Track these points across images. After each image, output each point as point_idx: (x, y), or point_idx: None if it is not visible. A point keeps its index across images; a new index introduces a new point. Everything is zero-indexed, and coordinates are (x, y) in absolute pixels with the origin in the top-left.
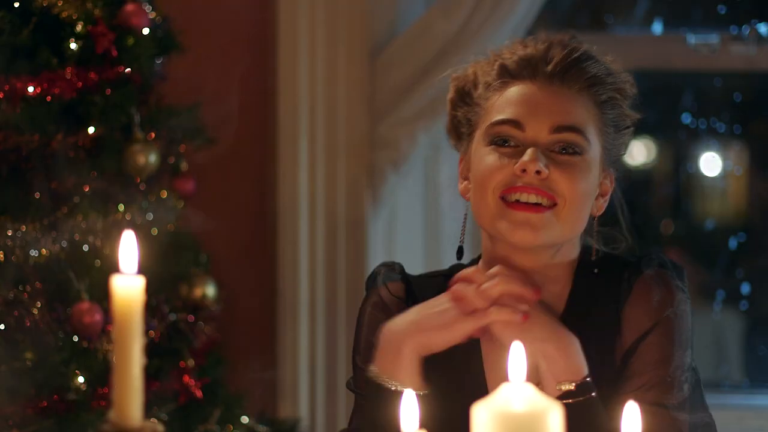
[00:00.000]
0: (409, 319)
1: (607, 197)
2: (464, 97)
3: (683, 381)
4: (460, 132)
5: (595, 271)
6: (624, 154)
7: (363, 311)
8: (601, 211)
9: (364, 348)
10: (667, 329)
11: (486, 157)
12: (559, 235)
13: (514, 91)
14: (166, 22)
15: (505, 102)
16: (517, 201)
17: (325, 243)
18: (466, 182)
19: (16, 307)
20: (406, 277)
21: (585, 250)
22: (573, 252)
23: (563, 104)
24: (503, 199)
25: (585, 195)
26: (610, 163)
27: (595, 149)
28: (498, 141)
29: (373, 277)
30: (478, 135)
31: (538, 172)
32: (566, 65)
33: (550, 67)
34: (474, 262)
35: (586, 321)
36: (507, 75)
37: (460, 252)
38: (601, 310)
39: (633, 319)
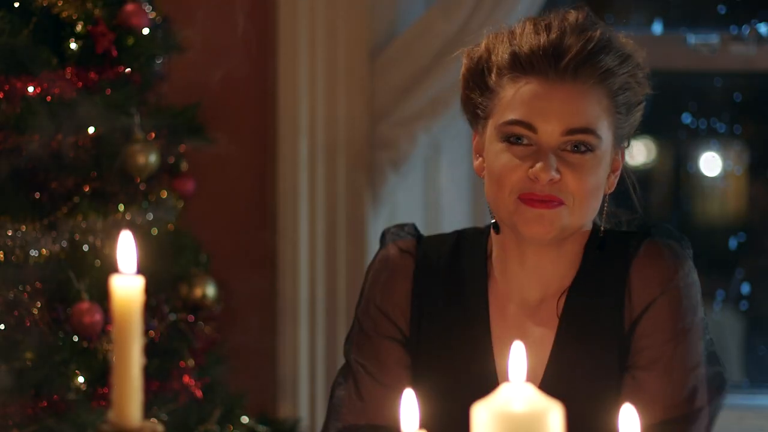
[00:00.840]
0: None
1: (618, 172)
2: (477, 78)
3: (700, 353)
4: (475, 113)
5: (601, 246)
6: (636, 128)
7: (369, 268)
8: (613, 188)
9: (363, 304)
10: (677, 297)
11: (500, 155)
12: (571, 226)
13: (527, 90)
14: (166, 22)
15: (518, 101)
16: (531, 197)
17: (325, 243)
18: (480, 159)
19: (16, 307)
20: (418, 235)
21: (594, 228)
22: (585, 216)
23: (575, 104)
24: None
25: (595, 189)
26: (622, 141)
27: (606, 140)
28: (511, 139)
29: (383, 236)
30: (492, 126)
31: (550, 179)
32: (579, 60)
33: (563, 63)
34: (487, 228)
35: (593, 293)
36: (519, 67)
37: (496, 227)
38: (608, 280)
39: (641, 282)
